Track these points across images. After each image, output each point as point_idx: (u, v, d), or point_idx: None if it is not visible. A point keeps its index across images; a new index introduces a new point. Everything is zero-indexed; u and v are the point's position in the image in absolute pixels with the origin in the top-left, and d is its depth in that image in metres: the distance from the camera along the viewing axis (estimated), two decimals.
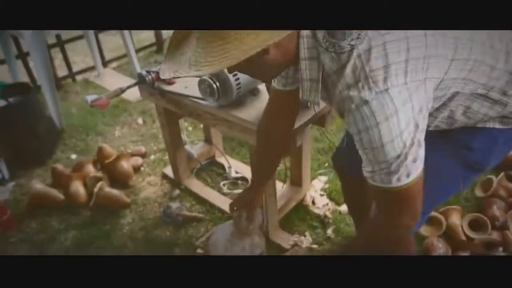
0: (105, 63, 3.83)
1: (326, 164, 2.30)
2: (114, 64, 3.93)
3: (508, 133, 1.01)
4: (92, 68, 3.74)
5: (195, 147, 2.36)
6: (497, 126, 1.00)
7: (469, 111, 0.95)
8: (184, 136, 2.50)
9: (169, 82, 1.79)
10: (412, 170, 0.83)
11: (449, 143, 1.06)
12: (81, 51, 4.26)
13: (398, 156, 0.80)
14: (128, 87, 1.77)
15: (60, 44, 3.46)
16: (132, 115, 2.98)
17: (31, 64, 3.14)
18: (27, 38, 2.47)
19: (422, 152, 0.83)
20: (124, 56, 3.86)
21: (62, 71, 3.62)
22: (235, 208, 1.54)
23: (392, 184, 0.84)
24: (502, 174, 2.03)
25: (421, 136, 0.82)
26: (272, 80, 1.16)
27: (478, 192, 2.05)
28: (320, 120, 1.60)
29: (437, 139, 1.08)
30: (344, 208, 2.00)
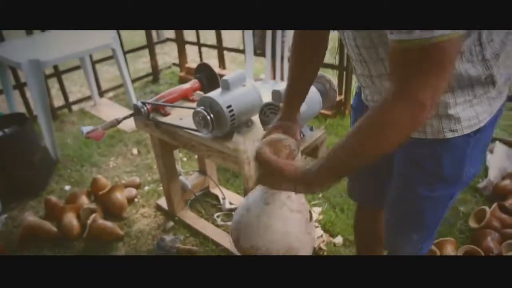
0: (101, 93, 3.88)
1: (320, 195, 2.32)
2: (111, 94, 3.98)
3: (467, 139, 1.01)
4: (88, 98, 3.78)
5: (189, 178, 2.37)
6: (449, 135, 0.99)
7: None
8: (178, 167, 2.52)
9: (164, 113, 1.82)
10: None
11: (417, 170, 1.09)
12: (78, 81, 4.32)
13: None
14: (124, 118, 1.80)
15: (57, 74, 3.51)
16: (127, 145, 3.00)
17: (28, 94, 3.18)
18: (25, 69, 2.51)
19: None
20: (120, 86, 3.92)
21: (58, 101, 3.66)
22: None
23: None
24: (495, 205, 2.04)
25: None
26: None
27: (472, 223, 2.06)
28: (313, 151, 1.63)
29: (406, 170, 1.13)
30: (338, 240, 2.01)
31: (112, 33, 3.04)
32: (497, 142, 2.56)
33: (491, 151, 2.53)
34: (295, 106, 1.20)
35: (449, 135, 0.99)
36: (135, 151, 2.93)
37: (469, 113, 0.96)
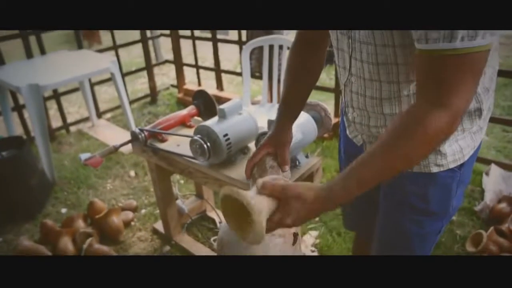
0: (99, 114, 3.90)
1: (317, 219, 2.32)
2: (108, 115, 4.00)
3: (452, 175, 1.02)
4: (86, 119, 3.81)
5: (186, 202, 2.38)
6: (435, 170, 1.01)
7: None
8: (175, 190, 2.53)
9: (162, 139, 1.84)
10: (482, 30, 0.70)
11: (405, 208, 1.09)
12: (76, 102, 4.35)
13: None
14: (121, 145, 1.82)
15: (56, 95, 3.54)
16: (124, 167, 3.01)
17: (26, 115, 3.20)
18: (24, 93, 2.54)
19: None
20: (118, 107, 3.95)
21: (56, 122, 3.68)
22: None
23: (456, 43, 0.70)
24: (491, 228, 2.05)
25: None
26: None
27: (469, 247, 2.06)
28: (308, 178, 1.64)
29: (393, 208, 1.14)
30: None
31: (111, 57, 3.07)
32: (492, 164, 2.58)
33: (487, 174, 2.55)
34: (290, 118, 1.20)
35: (435, 169, 1.01)
36: (132, 173, 2.94)
37: (454, 147, 0.98)
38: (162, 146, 1.80)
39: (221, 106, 1.55)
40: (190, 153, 1.63)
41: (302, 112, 1.29)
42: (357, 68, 0.99)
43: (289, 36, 2.69)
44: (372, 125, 1.05)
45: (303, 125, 1.46)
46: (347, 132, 1.21)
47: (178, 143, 1.80)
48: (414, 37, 0.76)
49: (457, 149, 0.99)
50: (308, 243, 2.13)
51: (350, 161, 0.83)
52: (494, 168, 2.57)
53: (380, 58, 0.92)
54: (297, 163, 1.58)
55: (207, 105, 1.97)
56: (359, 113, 1.08)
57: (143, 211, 2.53)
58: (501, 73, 2.64)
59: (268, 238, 0.99)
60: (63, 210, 2.57)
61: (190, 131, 1.83)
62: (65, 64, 3.02)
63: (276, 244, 1.01)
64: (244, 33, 3.44)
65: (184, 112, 1.96)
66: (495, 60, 0.95)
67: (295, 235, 1.06)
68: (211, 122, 1.53)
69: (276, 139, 1.18)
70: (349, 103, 1.10)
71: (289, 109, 1.20)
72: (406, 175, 1.02)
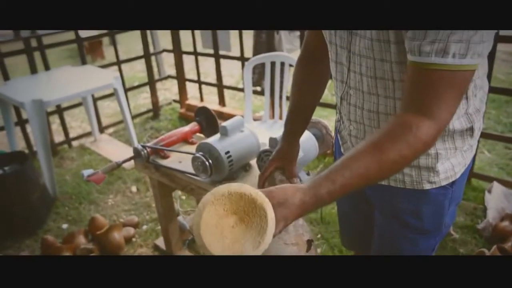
0: (101, 129, 3.92)
1: (319, 236, 2.32)
2: (111, 130, 4.03)
3: (444, 192, 1.04)
4: (88, 134, 3.83)
5: (187, 218, 2.38)
6: (427, 187, 1.02)
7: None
8: (177, 206, 2.53)
9: (164, 156, 1.85)
10: (473, 51, 0.74)
11: (399, 226, 1.11)
12: (78, 116, 4.38)
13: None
14: (124, 161, 1.83)
15: (59, 110, 3.57)
16: (126, 183, 3.02)
17: (29, 129, 3.23)
18: (28, 108, 2.56)
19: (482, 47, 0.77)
20: (120, 122, 3.97)
21: (59, 137, 3.71)
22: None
23: (448, 59, 0.74)
24: (494, 247, 2.04)
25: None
26: None
27: None
28: None
29: (387, 226, 1.15)
30: None
31: (115, 73, 3.11)
32: (494, 182, 2.58)
33: (489, 191, 2.55)
34: (296, 132, 1.25)
35: (427, 186, 1.02)
36: (134, 189, 2.94)
37: (446, 165, 1.01)
38: (164, 162, 1.81)
39: (223, 124, 1.57)
40: (192, 170, 1.64)
41: None
42: (356, 81, 1.01)
43: (293, 54, 2.72)
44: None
45: (304, 142, 1.47)
46: (342, 149, 1.22)
47: (180, 160, 1.81)
48: (407, 48, 0.79)
49: (449, 167, 1.01)
50: None
51: None
52: (496, 185, 2.56)
53: (378, 73, 0.94)
54: (299, 180, 1.59)
55: (209, 121, 1.99)
56: (355, 126, 1.09)
57: (144, 227, 2.52)
58: (503, 91, 2.67)
59: (282, 248, 0.97)
60: (64, 226, 2.57)
61: (192, 148, 1.84)
62: (69, 79, 3.06)
63: (291, 253, 0.98)
64: (246, 49, 3.47)
65: (186, 128, 1.97)
66: (484, 83, 1.00)
67: (309, 242, 1.02)
68: (213, 140, 1.55)
69: (284, 154, 1.23)
70: (345, 116, 1.11)
71: (295, 124, 1.24)
72: (399, 192, 1.05)
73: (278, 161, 1.22)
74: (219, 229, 0.79)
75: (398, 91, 0.94)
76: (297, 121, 1.24)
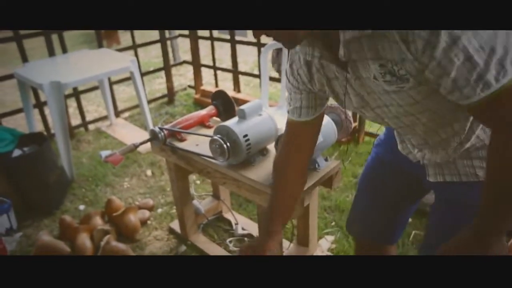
0: (117, 113, 3.95)
1: (333, 223, 2.31)
2: (126, 114, 4.04)
3: None
4: (104, 118, 3.85)
5: (202, 202, 2.38)
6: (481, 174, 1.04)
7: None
8: (192, 190, 2.54)
9: (181, 139, 1.85)
10: (508, 64, 0.77)
11: (461, 210, 1.10)
12: (95, 100, 4.41)
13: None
14: (141, 143, 1.84)
15: (76, 94, 3.59)
16: (141, 166, 3.04)
17: (47, 111, 3.26)
18: (46, 90, 2.58)
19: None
20: (136, 106, 3.99)
21: (75, 120, 3.74)
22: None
23: (491, 88, 0.77)
24: None
25: None
26: (288, 112, 1.20)
27: None
28: (327, 182, 1.64)
29: (448, 214, 1.15)
30: None
31: (131, 56, 3.11)
32: None
33: None
34: (277, 223, 1.25)
35: (481, 173, 1.04)
36: (149, 172, 2.96)
37: None
38: (181, 145, 1.82)
39: (241, 107, 1.56)
40: (209, 153, 1.64)
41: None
42: (398, 126, 1.06)
43: None
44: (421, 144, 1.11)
45: (324, 127, 1.46)
46: (399, 147, 1.21)
47: (197, 143, 1.81)
48: (454, 99, 0.82)
49: None
50: (324, 248, 2.12)
51: (385, 169, 0.95)
52: None
53: (406, 120, 1.00)
54: (317, 166, 1.58)
55: (226, 105, 1.98)
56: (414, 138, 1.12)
57: (159, 210, 2.54)
58: None
59: None
60: (81, 207, 2.60)
61: (209, 131, 1.84)
62: (86, 62, 3.07)
63: None
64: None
65: (203, 112, 1.97)
66: None
67: None
68: (231, 122, 1.54)
69: (258, 243, 1.22)
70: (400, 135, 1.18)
71: (279, 214, 1.26)
72: (473, 186, 1.05)
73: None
74: None
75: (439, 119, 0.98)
76: (280, 211, 1.27)
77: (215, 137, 1.53)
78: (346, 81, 0.98)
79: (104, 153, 1.71)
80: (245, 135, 1.51)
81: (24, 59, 3.11)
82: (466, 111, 0.86)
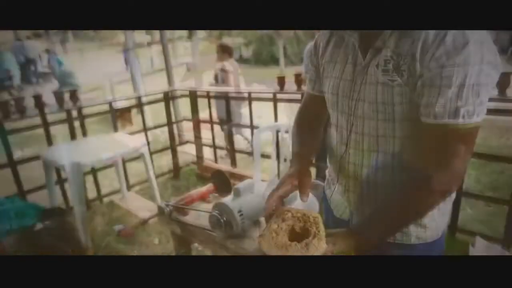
0: (129, 187, 4.00)
1: None
2: (137, 188, 4.10)
3: (428, 248, 1.06)
4: (117, 191, 3.90)
5: None
6: (415, 242, 1.04)
7: None
8: None
9: (184, 213, 1.91)
10: (478, 111, 0.80)
11: None
12: (109, 175, 4.47)
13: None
14: (150, 218, 1.90)
15: (93, 171, 3.67)
16: (150, 235, 3.05)
17: (66, 185, 3.31)
18: (68, 170, 2.67)
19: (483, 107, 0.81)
20: (145, 181, 4.05)
21: (92, 193, 3.78)
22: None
23: (458, 120, 0.80)
24: None
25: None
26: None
27: None
28: None
29: None
30: None
31: (142, 140, 3.25)
32: (477, 237, 2.58)
33: (473, 245, 2.54)
34: (307, 159, 1.18)
35: (415, 241, 1.05)
36: (156, 241, 2.97)
37: (432, 224, 1.04)
38: (184, 219, 1.87)
39: (236, 186, 1.64)
40: (208, 226, 1.69)
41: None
42: (357, 141, 1.03)
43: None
44: (364, 193, 1.08)
45: (308, 204, 1.53)
46: (334, 213, 1.23)
47: (198, 217, 1.86)
48: (422, 113, 0.85)
49: (433, 225, 1.04)
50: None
51: None
52: (479, 240, 2.56)
53: (380, 131, 0.97)
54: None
55: (223, 183, 2.06)
56: (353, 182, 1.10)
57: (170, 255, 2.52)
58: (479, 156, 2.72)
59: None
60: None
61: (209, 206, 1.90)
62: (103, 145, 3.18)
63: None
64: (255, 118, 3.61)
65: (203, 189, 2.05)
66: None
67: None
68: (227, 200, 1.61)
69: (299, 174, 1.11)
70: (342, 173, 1.13)
71: (305, 153, 1.19)
72: (389, 246, 1.05)
73: (295, 180, 1.09)
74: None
75: (398, 146, 0.96)
76: (305, 152, 1.19)
77: (214, 213, 1.59)
78: (354, 66, 0.98)
79: (118, 227, 1.76)
80: (240, 211, 1.57)
81: (50, 142, 3.23)
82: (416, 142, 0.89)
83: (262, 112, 3.66)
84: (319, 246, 0.86)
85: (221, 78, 4.40)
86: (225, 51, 4.41)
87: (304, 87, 1.25)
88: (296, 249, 0.88)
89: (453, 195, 1.04)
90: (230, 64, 4.41)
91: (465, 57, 0.76)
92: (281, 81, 3.21)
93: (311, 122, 1.25)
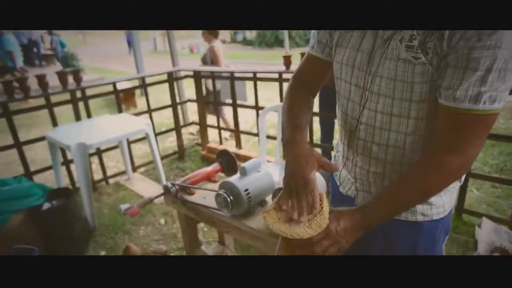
0: (134, 168, 4.02)
1: None
2: (142, 169, 4.11)
3: (436, 224, 1.04)
4: (123, 173, 3.92)
5: (209, 248, 2.40)
6: (420, 219, 1.02)
7: None
8: (200, 237, 2.56)
9: (190, 192, 1.91)
10: (500, 98, 0.78)
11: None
12: (114, 157, 4.49)
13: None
14: (156, 197, 1.89)
15: (98, 152, 3.68)
16: (155, 216, 3.07)
17: (73, 167, 3.33)
18: (73, 150, 2.67)
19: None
20: (150, 162, 4.07)
21: (97, 175, 3.81)
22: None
23: (479, 105, 0.78)
24: None
25: None
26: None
27: None
28: None
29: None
30: None
31: (146, 120, 3.23)
32: (484, 218, 2.57)
33: (479, 226, 2.53)
34: (304, 133, 1.08)
35: (420, 218, 1.03)
36: (162, 221, 2.99)
37: (439, 201, 1.02)
38: (190, 198, 1.87)
39: (243, 165, 1.63)
40: (215, 205, 1.69)
41: None
42: (369, 117, 0.98)
43: None
44: (372, 171, 1.05)
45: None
46: (340, 189, 1.19)
47: (204, 196, 1.86)
48: (443, 95, 0.82)
49: (440, 203, 1.03)
50: None
51: None
52: (485, 221, 2.55)
53: (395, 110, 0.92)
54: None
55: (229, 163, 2.05)
56: (361, 158, 1.06)
57: (171, 255, 2.55)
58: (488, 136, 2.69)
59: None
60: (102, 253, 2.61)
61: (215, 186, 1.90)
62: (108, 126, 3.18)
63: None
64: (260, 100, 3.58)
65: (209, 168, 2.04)
66: None
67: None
68: (234, 179, 1.61)
69: (312, 154, 0.99)
70: (352, 149, 1.08)
71: (301, 126, 1.10)
72: (394, 223, 1.01)
73: (314, 160, 0.97)
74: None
75: (411, 127, 0.93)
76: (301, 124, 1.10)
77: (220, 192, 1.59)
78: (375, 38, 0.92)
79: (123, 207, 1.76)
80: (246, 190, 1.57)
81: (54, 123, 3.23)
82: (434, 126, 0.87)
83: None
84: (322, 223, 0.86)
85: (209, 59, 4.37)
86: (210, 33, 4.38)
87: None
88: (298, 225, 0.87)
89: (462, 177, 1.02)
90: (218, 46, 4.39)
91: (496, 40, 0.73)
92: (287, 60, 3.17)
93: (310, 89, 1.16)
